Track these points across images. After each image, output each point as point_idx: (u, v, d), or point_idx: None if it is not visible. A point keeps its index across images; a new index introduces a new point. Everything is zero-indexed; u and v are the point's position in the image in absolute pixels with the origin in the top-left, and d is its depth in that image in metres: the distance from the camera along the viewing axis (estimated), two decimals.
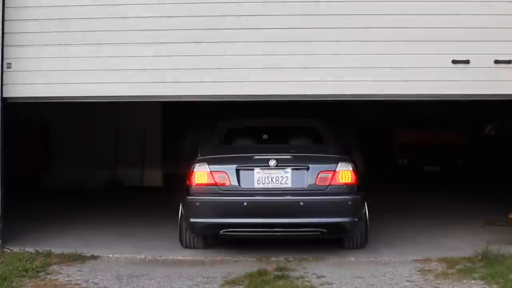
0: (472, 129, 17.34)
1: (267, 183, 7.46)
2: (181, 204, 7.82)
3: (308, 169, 7.45)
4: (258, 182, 7.46)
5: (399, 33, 8.18)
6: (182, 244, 8.13)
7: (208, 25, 8.25)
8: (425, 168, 16.48)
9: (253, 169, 7.48)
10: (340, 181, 7.42)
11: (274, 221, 7.36)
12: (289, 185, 7.46)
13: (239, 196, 7.39)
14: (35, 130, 14.90)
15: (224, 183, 7.43)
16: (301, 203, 7.34)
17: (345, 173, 7.44)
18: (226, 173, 7.44)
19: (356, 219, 7.54)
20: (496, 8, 8.14)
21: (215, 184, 7.44)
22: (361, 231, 7.86)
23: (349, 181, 7.45)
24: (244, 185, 7.45)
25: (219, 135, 8.75)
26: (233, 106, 9.33)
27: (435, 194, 13.83)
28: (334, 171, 7.42)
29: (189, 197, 7.52)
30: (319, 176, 7.41)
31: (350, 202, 7.43)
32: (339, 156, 7.69)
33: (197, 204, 7.45)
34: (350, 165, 7.52)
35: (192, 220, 7.51)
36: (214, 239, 8.03)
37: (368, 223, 7.92)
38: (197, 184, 7.46)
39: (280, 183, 7.46)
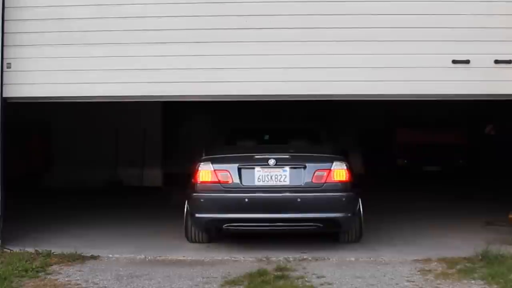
0: (472, 129, 17.32)
1: (267, 181, 7.91)
2: (186, 201, 8.23)
3: (305, 167, 7.92)
4: (259, 180, 7.92)
5: (399, 33, 8.18)
6: (187, 239, 8.51)
7: (208, 25, 8.25)
8: (425, 168, 16.46)
9: (253, 168, 7.94)
10: (335, 179, 7.86)
11: (273, 216, 7.82)
12: (287, 182, 7.90)
13: (240, 193, 7.85)
14: (35, 130, 14.89)
15: (227, 181, 7.90)
16: (299, 200, 7.80)
17: (339, 172, 7.89)
18: (229, 172, 7.89)
19: (350, 215, 7.95)
20: (496, 8, 8.14)
21: (219, 182, 7.91)
22: (355, 226, 8.27)
23: (344, 179, 7.90)
24: (246, 182, 7.90)
25: (222, 135, 9.32)
26: (234, 105, 9.39)
27: (435, 194, 13.81)
28: (329, 169, 7.88)
29: (194, 194, 7.99)
30: (315, 174, 7.86)
31: (344, 199, 7.85)
32: (334, 155, 8.11)
33: (201, 200, 7.93)
34: (345, 164, 7.96)
35: (197, 215, 7.97)
36: (218, 233, 8.39)
37: (362, 218, 8.29)
38: (202, 182, 7.94)
39: (279, 181, 7.91)
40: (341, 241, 8.44)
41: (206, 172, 7.96)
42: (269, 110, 14.71)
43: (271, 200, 7.89)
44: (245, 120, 11.73)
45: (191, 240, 8.53)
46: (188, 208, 8.22)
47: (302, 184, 7.90)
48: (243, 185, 7.92)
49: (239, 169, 7.95)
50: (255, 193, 7.91)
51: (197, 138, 18.05)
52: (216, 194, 7.95)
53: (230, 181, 7.92)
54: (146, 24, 8.28)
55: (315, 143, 9.02)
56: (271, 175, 7.94)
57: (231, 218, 7.88)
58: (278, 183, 7.93)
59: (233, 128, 9.62)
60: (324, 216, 7.81)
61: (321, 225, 7.88)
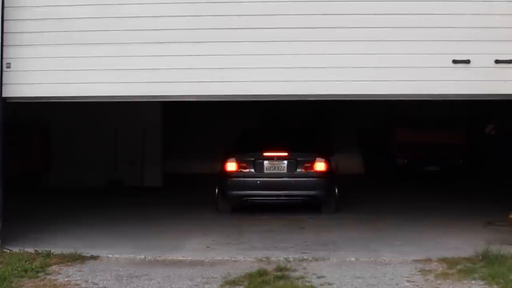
0: (473, 128, 17.30)
1: (272, 170, 11.42)
2: (218, 184, 11.59)
3: (297, 161, 11.36)
4: (266, 169, 11.42)
5: (400, 33, 8.17)
6: (217, 210, 11.61)
7: (209, 24, 8.24)
8: (425, 168, 16.44)
9: (263, 161, 11.40)
10: (317, 169, 11.37)
11: (275, 193, 11.37)
12: (285, 171, 11.41)
13: (254, 177, 11.39)
14: (35, 130, 14.87)
15: (246, 170, 11.43)
16: (292, 182, 11.34)
17: (319, 164, 11.37)
18: (247, 163, 11.41)
19: (325, 193, 11.36)
20: (496, 8, 8.13)
21: (240, 171, 11.44)
22: (331, 202, 11.49)
23: (322, 169, 11.38)
24: (258, 171, 11.42)
25: (242, 138, 12.35)
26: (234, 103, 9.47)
27: (435, 194, 13.81)
28: (313, 163, 11.34)
29: (224, 179, 11.47)
30: (303, 165, 11.35)
31: (321, 182, 11.31)
32: (316, 153, 11.49)
33: (229, 183, 11.43)
34: (323, 159, 11.42)
35: (228, 192, 11.46)
36: (239, 205, 11.61)
37: (337, 197, 11.49)
38: (229, 171, 11.45)
39: (280, 170, 11.42)
40: (323, 211, 11.44)
41: (232, 164, 11.44)
42: (269, 108, 14.81)
43: (274, 182, 11.33)
44: (249, 121, 14.77)
45: (220, 211, 11.56)
46: (219, 189, 11.58)
47: (295, 172, 11.33)
48: (256, 173, 11.39)
49: (254, 162, 11.39)
50: (264, 178, 11.36)
51: (197, 138, 18.22)
52: (238, 178, 11.38)
53: (248, 170, 11.42)
54: (145, 24, 8.26)
55: (306, 143, 11.94)
56: (275, 166, 11.39)
57: (248, 194, 11.38)
58: (279, 171, 11.40)
59: (248, 132, 12.74)
60: (308, 193, 11.31)
61: (306, 199, 11.39)
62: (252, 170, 11.39)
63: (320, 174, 11.30)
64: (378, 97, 8.59)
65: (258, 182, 11.32)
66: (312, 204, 11.41)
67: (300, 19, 8.20)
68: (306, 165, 11.31)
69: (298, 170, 11.32)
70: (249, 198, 11.43)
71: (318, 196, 11.31)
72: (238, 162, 11.41)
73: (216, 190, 11.63)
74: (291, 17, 8.21)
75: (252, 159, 11.39)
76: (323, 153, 11.59)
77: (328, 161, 11.50)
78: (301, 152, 11.45)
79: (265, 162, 11.36)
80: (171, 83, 8.29)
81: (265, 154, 11.40)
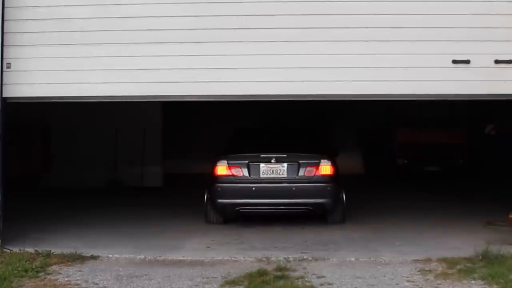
0: (473, 128, 17.31)
1: (269, 174, 9.83)
2: (206, 191, 10.06)
3: (299, 164, 9.80)
4: (263, 173, 9.83)
5: (400, 33, 8.18)
6: (207, 221, 10.16)
7: (209, 25, 8.25)
8: (425, 168, 16.45)
9: (259, 164, 9.81)
10: (322, 173, 9.81)
11: (274, 201, 9.77)
12: (285, 175, 9.83)
13: (249, 183, 9.76)
14: (35, 130, 14.88)
15: (238, 174, 9.82)
16: (294, 188, 9.75)
17: (325, 167, 9.83)
18: (240, 167, 9.81)
19: (333, 201, 9.86)
20: (496, 8, 8.14)
21: (232, 175, 9.82)
22: (339, 210, 10.07)
23: (329, 173, 9.85)
24: (253, 175, 9.83)
25: (235, 137, 10.78)
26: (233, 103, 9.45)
27: (435, 194, 13.81)
28: (318, 165, 9.80)
29: (213, 184, 9.86)
30: (306, 169, 9.80)
31: (329, 188, 9.81)
32: (321, 154, 9.95)
33: (219, 189, 9.82)
34: (330, 162, 9.91)
35: (217, 200, 9.87)
36: (232, 215, 10.07)
37: (344, 204, 10.08)
38: (219, 175, 9.85)
39: (279, 174, 9.84)
40: (329, 222, 10.05)
41: (222, 168, 9.85)
42: (269, 108, 14.78)
43: (272, 189, 9.78)
44: (248, 120, 13.61)
45: (209, 222, 10.14)
46: (208, 196, 10.02)
47: (297, 177, 9.79)
48: (251, 177, 9.80)
49: (248, 165, 9.81)
50: (260, 183, 9.76)
51: (197, 139, 18.24)
52: (230, 184, 9.80)
53: (241, 174, 9.81)
54: (145, 24, 8.27)
55: (309, 143, 10.50)
56: (273, 169, 9.82)
57: (242, 203, 9.75)
58: (278, 176, 9.82)
59: (243, 131, 11.16)
60: (313, 201, 9.71)
61: (311, 208, 9.79)
62: (246, 174, 9.76)
63: (326, 178, 9.76)
64: (378, 97, 8.60)
65: (253, 188, 9.69)
66: (314, 213, 10.01)
67: (299, 19, 8.21)
68: (309, 168, 9.75)
69: (301, 174, 9.75)
70: (242, 207, 9.79)
71: (325, 205, 9.81)
72: (230, 165, 9.80)
73: (205, 198, 10.11)
74: (291, 17, 8.21)
75: (246, 161, 9.77)
76: (328, 154, 10.09)
77: (334, 163, 10.00)
78: (304, 153, 9.94)
79: (262, 165, 9.76)
80: (171, 83, 8.30)
81: (262, 155, 9.81)
